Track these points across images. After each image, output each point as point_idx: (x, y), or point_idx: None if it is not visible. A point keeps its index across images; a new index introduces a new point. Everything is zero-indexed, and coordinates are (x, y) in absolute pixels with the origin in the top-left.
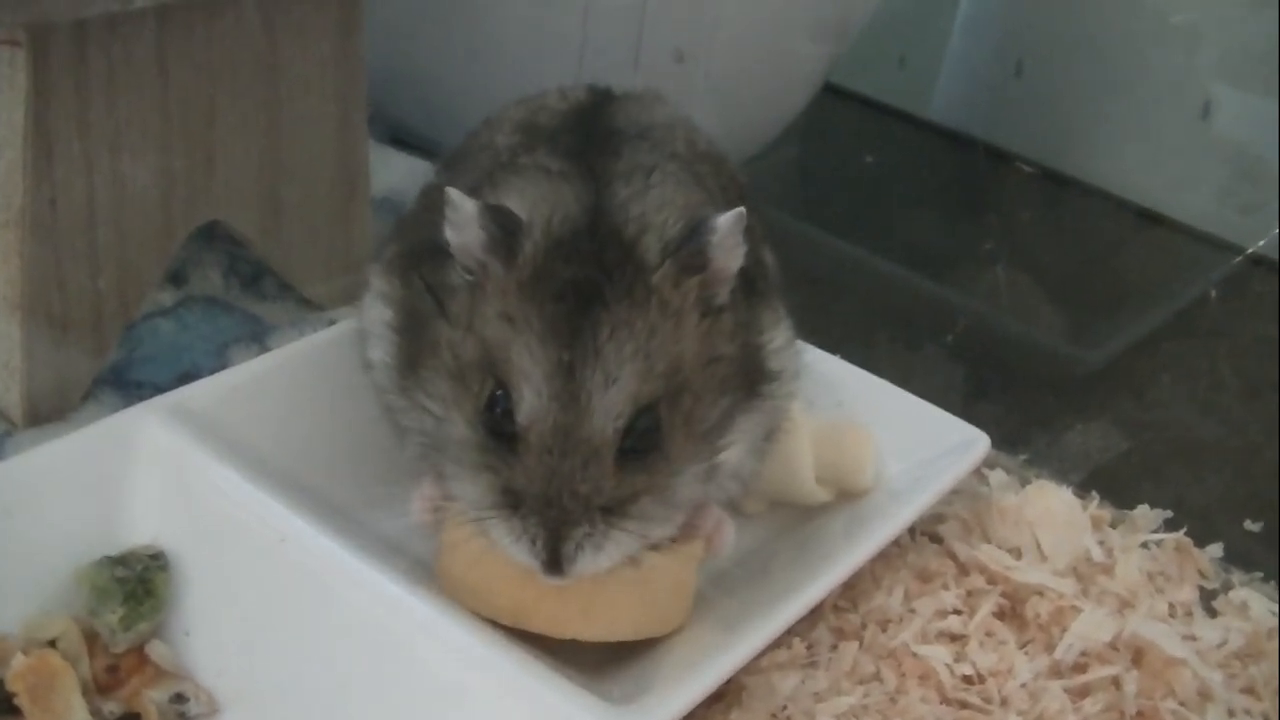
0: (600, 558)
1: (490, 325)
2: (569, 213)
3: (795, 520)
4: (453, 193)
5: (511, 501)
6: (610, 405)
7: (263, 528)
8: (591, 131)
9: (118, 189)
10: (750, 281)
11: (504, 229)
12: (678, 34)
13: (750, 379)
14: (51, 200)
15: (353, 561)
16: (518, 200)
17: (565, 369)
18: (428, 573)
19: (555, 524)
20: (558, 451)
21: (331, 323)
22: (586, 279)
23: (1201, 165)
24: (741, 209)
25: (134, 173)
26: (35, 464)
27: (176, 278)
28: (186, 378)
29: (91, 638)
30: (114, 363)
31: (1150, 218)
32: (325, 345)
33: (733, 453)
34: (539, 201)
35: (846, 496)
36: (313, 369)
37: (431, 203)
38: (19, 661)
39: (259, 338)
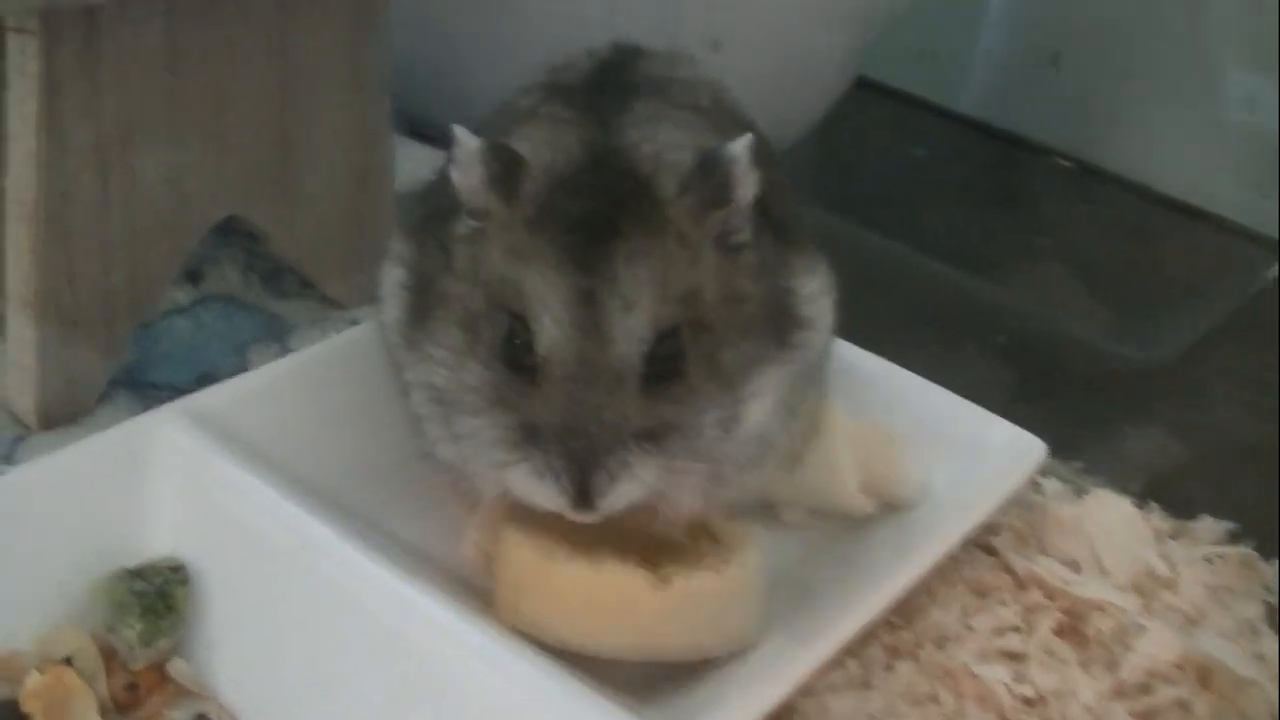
0: (635, 486)
1: (498, 265)
2: (572, 153)
3: (838, 533)
4: (457, 129)
5: (533, 438)
6: (632, 328)
7: (287, 537)
8: (607, 84)
9: (130, 182)
10: (781, 226)
11: (504, 165)
12: (713, 22)
13: (778, 325)
14: (63, 193)
15: (380, 573)
16: (524, 144)
17: (584, 295)
18: (459, 584)
19: (583, 454)
20: (581, 379)
21: (354, 322)
22: (598, 211)
23: (1245, 159)
24: (750, 135)
25: (146, 165)
26: (49, 470)
27: (193, 275)
28: (205, 379)
29: (109, 654)
30: (129, 363)
31: (1192, 213)
32: (349, 346)
33: (757, 406)
34: (542, 144)
35: (891, 507)
36: (336, 371)
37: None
38: (33, 680)
39: (279, 337)
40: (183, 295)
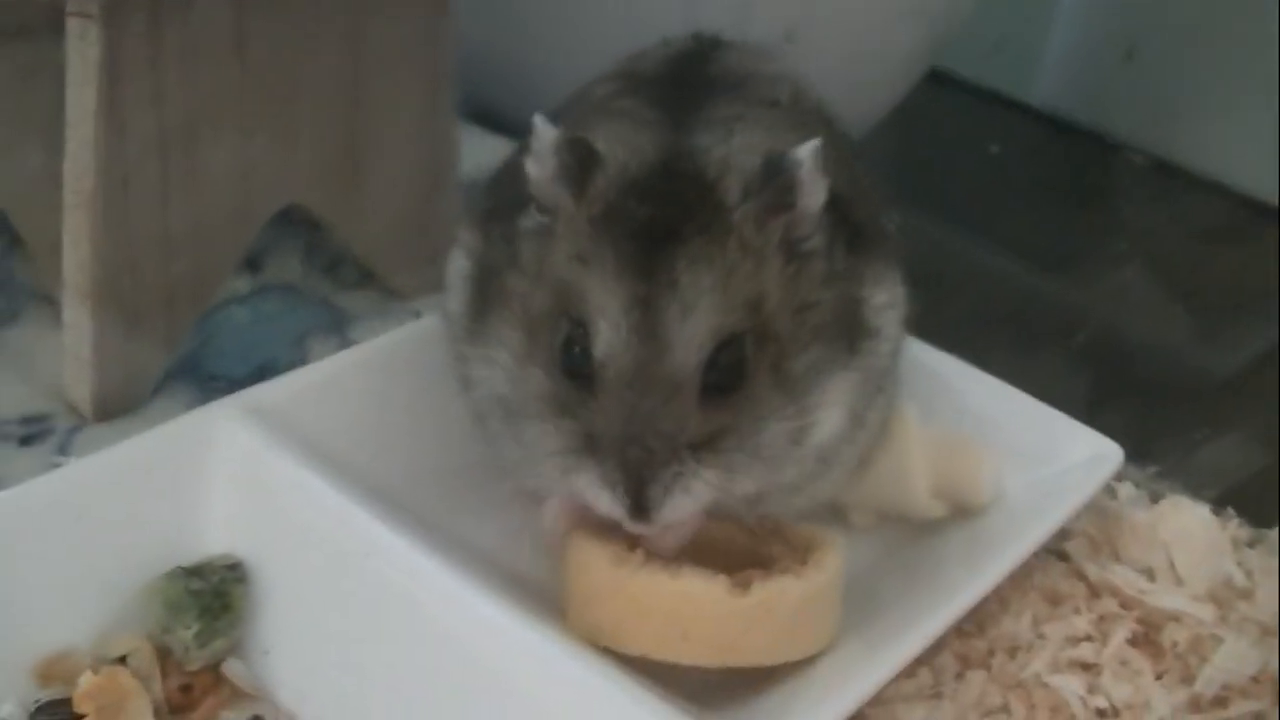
0: (689, 500)
1: (562, 268)
2: (646, 155)
3: (909, 538)
4: (537, 119)
5: (592, 447)
6: (690, 336)
7: (347, 537)
8: (685, 79)
9: (193, 172)
10: (857, 231)
11: (578, 160)
12: (787, 13)
13: (848, 333)
14: (123, 182)
15: (441, 575)
16: (599, 139)
17: (641, 302)
18: (524, 588)
19: (638, 465)
20: (638, 387)
21: (417, 315)
22: (662, 217)
23: None
24: (818, 139)
25: (211, 155)
26: (106, 465)
27: (252, 264)
28: (262, 371)
29: (164, 655)
30: (186, 354)
31: (1271, 213)
32: (412, 339)
33: (824, 416)
34: (617, 142)
35: (963, 512)
36: (399, 364)
37: (522, 157)
38: (87, 680)
39: (339, 329)
40: (242, 284)
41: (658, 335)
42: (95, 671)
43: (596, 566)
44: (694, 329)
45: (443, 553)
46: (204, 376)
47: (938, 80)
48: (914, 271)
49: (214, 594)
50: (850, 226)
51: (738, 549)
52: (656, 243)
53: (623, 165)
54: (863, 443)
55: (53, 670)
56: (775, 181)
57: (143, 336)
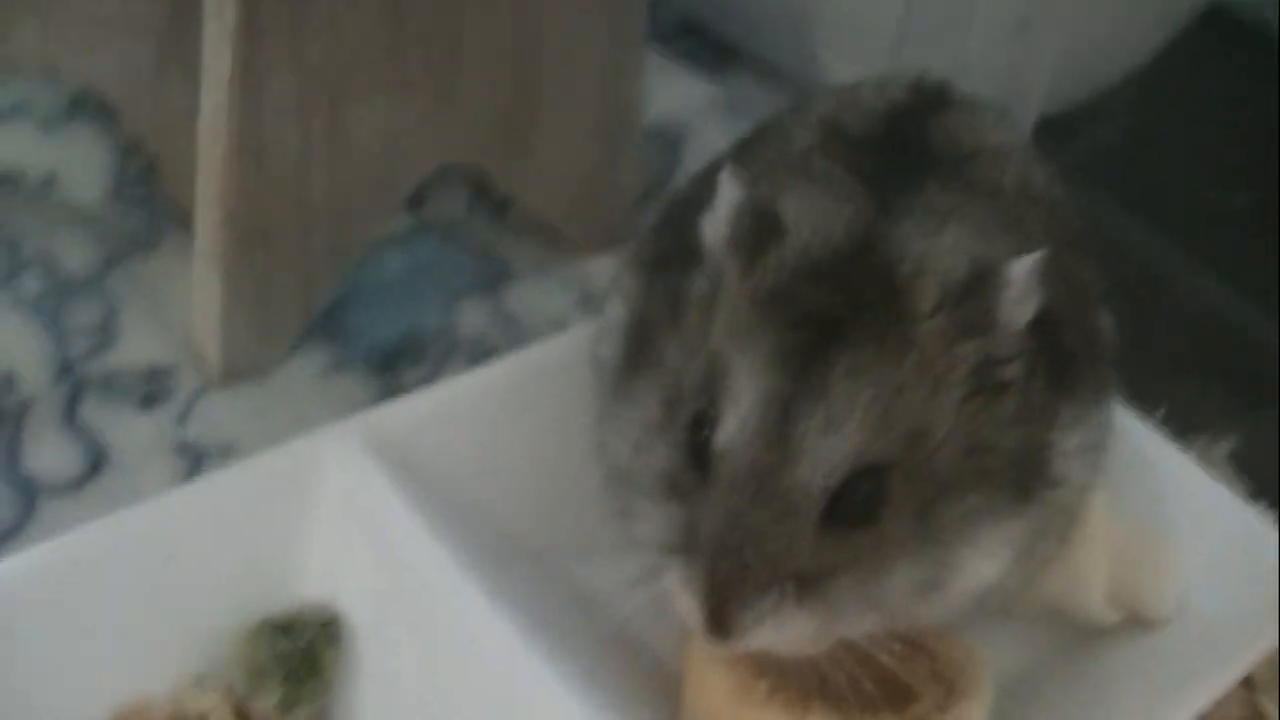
0: (781, 633)
1: (716, 343)
2: (835, 237)
3: (1075, 643)
4: (728, 171)
5: (689, 544)
6: (825, 455)
7: (450, 607)
8: (900, 148)
9: (335, 138)
10: (1066, 361)
11: (757, 231)
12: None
13: (1022, 481)
14: (258, 150)
15: (542, 677)
16: (790, 206)
17: (781, 401)
18: (642, 681)
19: (728, 579)
20: (751, 494)
21: (586, 296)
22: (834, 310)
23: None
24: (1038, 254)
25: (355, 119)
26: (199, 498)
27: (412, 199)
28: (407, 338)
29: (243, 715)
30: (329, 303)
31: None
32: (553, 360)
33: (975, 569)
34: (808, 214)
35: (1139, 622)
36: (538, 388)
37: (701, 193)
38: None
39: (494, 290)
40: (399, 222)
41: (788, 443)
42: None
43: (715, 693)
44: (832, 448)
45: (549, 644)
46: (343, 335)
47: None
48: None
49: (303, 656)
50: (1058, 354)
51: (874, 667)
52: (820, 339)
53: (805, 244)
54: (1025, 577)
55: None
56: (977, 299)
57: (275, 305)
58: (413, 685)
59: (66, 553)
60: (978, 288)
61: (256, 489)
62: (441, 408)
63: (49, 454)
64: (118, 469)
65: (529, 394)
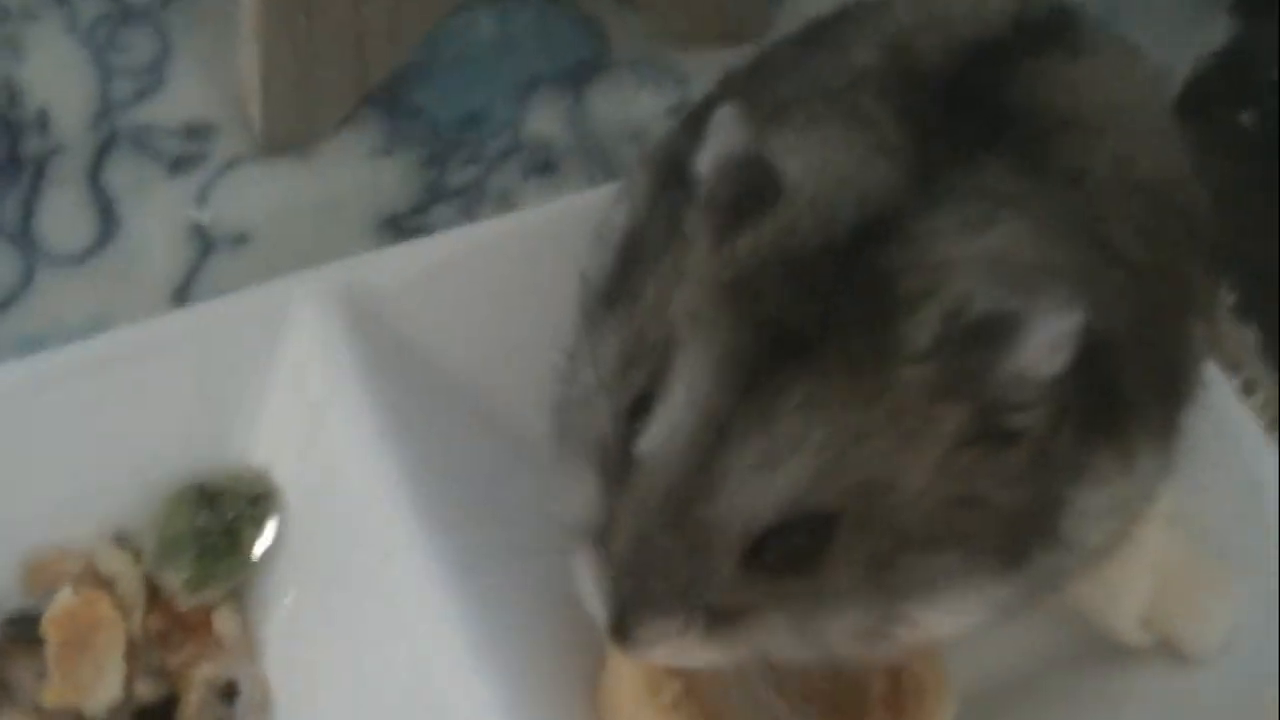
0: (685, 659)
1: (674, 312)
2: (841, 218)
3: (1092, 656)
4: (727, 110)
5: (602, 535)
6: (752, 497)
7: (384, 518)
8: (971, 101)
9: None
10: (1108, 406)
11: (742, 191)
12: None
13: (1016, 540)
14: None
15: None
16: (801, 161)
17: (716, 420)
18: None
19: (633, 594)
20: (662, 520)
21: (680, 104)
22: (806, 319)
23: None
24: (1077, 319)
25: None
26: (146, 341)
27: None
28: (468, 126)
29: (154, 583)
30: (397, 70)
31: None
32: (563, 223)
33: (934, 624)
34: (816, 180)
35: (1172, 651)
36: (539, 255)
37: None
38: (64, 599)
39: (578, 80)
40: None
41: (712, 473)
42: (76, 591)
43: (626, 682)
44: (761, 490)
45: (471, 568)
46: (401, 113)
47: None
48: None
49: (223, 533)
50: (1103, 396)
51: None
52: (780, 352)
53: (797, 222)
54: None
55: (42, 573)
56: (983, 353)
57: (321, 74)
58: (333, 584)
59: None
60: (987, 339)
61: (208, 338)
62: (424, 266)
63: (62, 215)
64: (124, 247)
65: (527, 262)
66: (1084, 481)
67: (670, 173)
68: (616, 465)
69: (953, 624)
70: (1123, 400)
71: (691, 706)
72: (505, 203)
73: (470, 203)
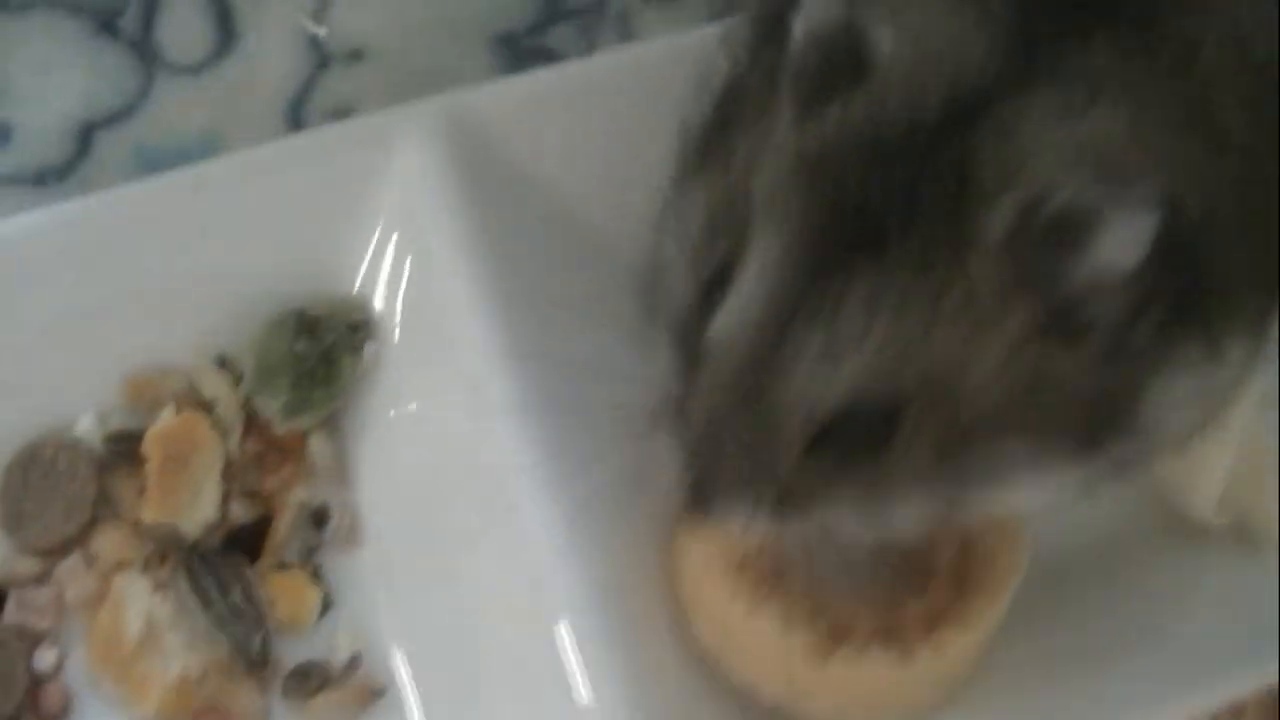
0: (756, 534)
1: (757, 183)
2: (932, 97)
3: (1161, 539)
4: None
5: (680, 407)
6: (816, 385)
7: (479, 350)
8: None
9: None
10: (1194, 297)
11: (830, 64)
12: None
13: (1090, 427)
14: None
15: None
16: (895, 32)
17: (785, 305)
18: None
19: (708, 467)
20: (731, 401)
21: None
22: (883, 204)
23: None
24: (1155, 218)
25: None
26: (249, 169)
27: None
28: None
29: (252, 408)
30: None
31: None
32: (683, 57)
33: (1004, 502)
34: (910, 56)
35: (1246, 541)
36: (655, 91)
37: None
38: (165, 419)
39: None
40: None
41: (779, 358)
42: (178, 410)
43: (694, 546)
44: (825, 379)
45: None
46: None
47: None
48: None
49: (320, 359)
50: (1189, 287)
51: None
52: (854, 238)
53: (884, 99)
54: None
55: (143, 390)
56: (1059, 247)
57: None
58: (427, 414)
59: (103, 208)
60: (1061, 235)
61: (314, 166)
62: (536, 101)
63: (182, 23)
64: (240, 59)
65: (636, 100)
66: (1165, 370)
67: (774, 24)
68: (694, 338)
69: (1020, 505)
70: (1214, 289)
71: (758, 567)
72: (623, 25)
73: (589, 24)
